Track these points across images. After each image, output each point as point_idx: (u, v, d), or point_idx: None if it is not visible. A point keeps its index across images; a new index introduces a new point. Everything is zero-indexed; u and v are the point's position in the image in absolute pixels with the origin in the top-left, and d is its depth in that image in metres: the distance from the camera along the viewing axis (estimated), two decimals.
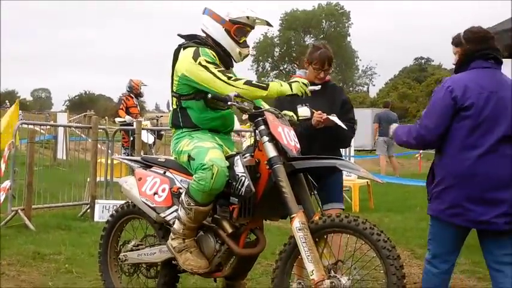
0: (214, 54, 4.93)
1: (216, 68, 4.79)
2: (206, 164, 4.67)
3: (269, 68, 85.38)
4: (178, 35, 5.16)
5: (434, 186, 4.44)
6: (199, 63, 4.79)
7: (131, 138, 12.87)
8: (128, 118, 13.59)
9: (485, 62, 4.44)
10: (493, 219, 4.25)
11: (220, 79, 4.72)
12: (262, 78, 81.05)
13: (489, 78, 4.39)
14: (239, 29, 4.96)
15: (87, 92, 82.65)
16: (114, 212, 5.65)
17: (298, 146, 4.66)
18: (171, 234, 4.95)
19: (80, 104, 64.23)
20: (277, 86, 4.70)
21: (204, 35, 5.07)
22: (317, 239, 4.47)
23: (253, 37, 77.48)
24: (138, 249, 5.37)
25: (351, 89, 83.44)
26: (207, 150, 4.77)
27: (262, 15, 4.98)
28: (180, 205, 4.87)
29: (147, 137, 12.79)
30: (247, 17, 4.94)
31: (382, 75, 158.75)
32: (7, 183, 9.36)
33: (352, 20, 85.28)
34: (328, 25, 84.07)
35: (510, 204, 4.27)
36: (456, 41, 4.59)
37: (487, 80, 4.37)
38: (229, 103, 4.65)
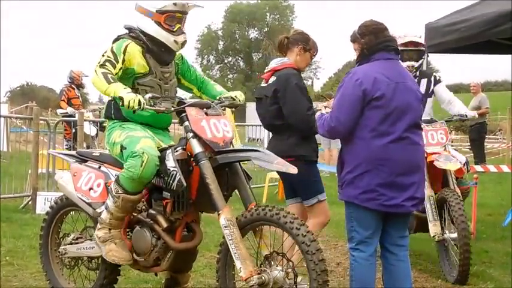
0: (129, 50, 4.88)
1: (107, 57, 4.81)
2: (137, 152, 4.67)
3: (213, 61, 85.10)
4: (124, 26, 5.14)
5: (347, 173, 4.53)
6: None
7: (73, 130, 12.70)
8: (69, 109, 13.43)
9: (388, 53, 4.61)
10: (403, 202, 4.44)
11: (95, 67, 4.78)
12: (207, 71, 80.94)
13: (392, 69, 4.57)
14: (169, 17, 4.91)
15: (29, 83, 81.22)
16: (53, 203, 5.63)
17: (228, 135, 4.65)
18: (98, 224, 4.93)
19: (22, 95, 62.89)
20: (115, 89, 4.60)
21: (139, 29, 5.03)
22: (252, 231, 4.52)
23: (197, 30, 77.12)
24: (78, 243, 5.35)
25: None
26: (138, 139, 4.76)
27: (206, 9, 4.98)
28: (109, 194, 4.86)
29: (90, 129, 12.66)
30: (174, 4, 4.89)
31: (326, 69, 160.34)
32: None
33: (296, 14, 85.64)
34: (273, 18, 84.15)
35: (416, 188, 4.51)
36: (353, 38, 4.76)
37: (391, 71, 4.54)
38: (136, 108, 4.54)
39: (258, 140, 16.70)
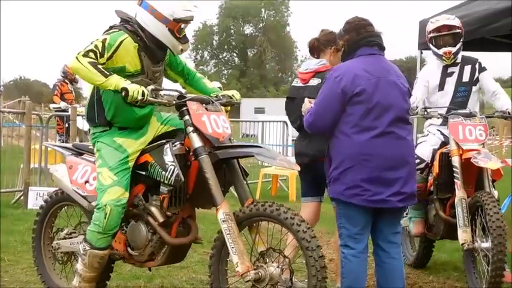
0: (123, 46, 4.69)
1: (93, 48, 4.59)
2: (100, 205, 4.67)
3: (208, 57, 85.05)
4: (118, 15, 4.91)
5: (333, 169, 4.53)
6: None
7: (66, 125, 12.69)
8: (62, 104, 13.39)
9: (370, 48, 4.61)
10: (388, 197, 4.41)
11: (76, 54, 4.57)
12: (201, 67, 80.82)
13: (375, 64, 4.56)
14: (182, 26, 4.80)
15: (23, 78, 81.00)
16: (48, 198, 5.58)
17: (227, 131, 4.63)
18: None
19: (15, 89, 62.74)
20: (117, 81, 4.48)
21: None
22: (248, 227, 4.51)
23: (192, 25, 77.03)
24: (71, 238, 5.33)
25: (290, 78, 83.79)
26: (105, 189, 4.69)
27: (202, 6, 4.89)
28: (78, 258, 4.86)
29: (83, 124, 12.62)
30: (190, 14, 4.75)
31: None
32: None
33: (291, 9, 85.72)
34: (268, 14, 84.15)
35: (403, 183, 4.46)
36: (339, 36, 4.81)
37: (373, 66, 4.53)
38: (139, 99, 4.44)
39: (252, 135, 16.69)
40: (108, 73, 4.53)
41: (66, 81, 13.90)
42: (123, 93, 4.42)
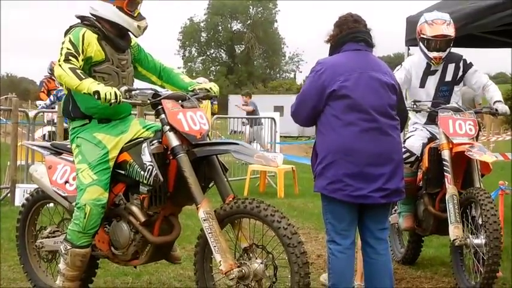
0: (86, 38, 4.72)
1: (67, 50, 4.64)
2: (79, 204, 4.66)
3: (196, 54, 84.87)
4: (76, 15, 4.98)
5: (317, 164, 4.53)
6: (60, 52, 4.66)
7: None
8: (49, 101, 13.30)
9: (356, 44, 4.61)
10: (370, 193, 4.39)
11: (58, 61, 4.63)
12: (189, 64, 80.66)
13: (360, 59, 4.56)
14: (130, 2, 4.79)
15: (9, 75, 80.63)
16: (29, 196, 5.57)
17: (204, 127, 4.60)
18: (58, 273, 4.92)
19: (1, 86, 62.46)
20: (89, 84, 4.49)
21: (94, 17, 4.87)
22: (230, 224, 4.50)
23: (179, 22, 76.81)
24: (55, 236, 5.31)
25: (278, 75, 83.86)
26: (85, 188, 4.68)
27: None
28: (60, 258, 4.85)
29: (68, 122, 12.55)
30: None
31: (308, 62, 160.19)
32: None
33: (279, 7, 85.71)
34: (255, 11, 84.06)
35: (386, 179, 4.43)
36: (328, 32, 4.80)
37: (357, 61, 4.54)
38: (112, 101, 4.45)
39: (240, 132, 16.69)
40: (83, 77, 4.54)
41: (53, 78, 13.78)
42: (96, 96, 4.43)
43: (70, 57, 4.60)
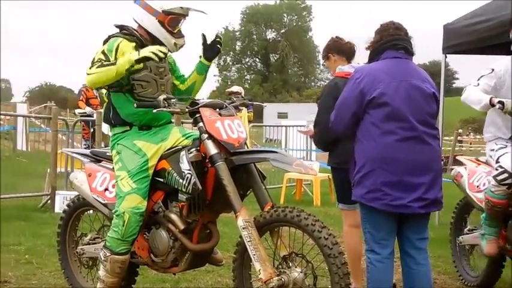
0: (120, 48, 4.74)
1: (98, 60, 4.65)
2: (118, 211, 4.69)
3: (230, 62, 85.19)
4: (115, 25, 5.05)
5: (356, 172, 4.50)
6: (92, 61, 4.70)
7: (91, 130, 12.76)
8: (88, 109, 13.44)
9: (396, 52, 4.58)
10: (409, 203, 4.35)
11: (86, 72, 4.64)
12: (224, 72, 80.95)
13: (399, 67, 4.53)
14: (173, 19, 4.85)
15: (48, 83, 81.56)
16: (70, 202, 5.62)
17: (242, 135, 4.60)
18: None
19: (41, 95, 63.34)
20: (126, 59, 4.54)
21: (136, 24, 4.96)
22: (269, 232, 4.48)
23: (215, 31, 77.22)
24: (95, 243, 5.36)
25: (312, 83, 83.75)
26: (124, 196, 4.71)
27: (195, 5, 4.91)
28: (100, 264, 4.89)
29: (108, 129, 12.68)
30: (181, 7, 4.85)
31: None
32: None
33: (313, 14, 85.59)
34: (290, 19, 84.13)
35: (426, 189, 4.38)
36: (368, 39, 4.80)
37: (397, 68, 4.51)
38: (154, 111, 4.55)
39: (275, 140, 16.69)
40: (114, 61, 4.59)
41: None
42: (141, 64, 4.52)
43: (98, 61, 4.64)
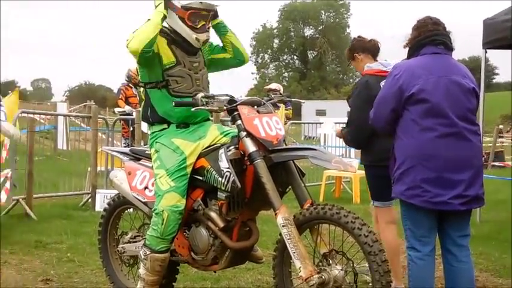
0: (161, 42, 4.83)
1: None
2: (157, 210, 4.71)
3: (268, 60, 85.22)
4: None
5: (396, 169, 4.46)
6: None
7: (131, 129, 12.85)
8: (127, 108, 13.55)
9: (435, 47, 4.52)
10: (450, 200, 4.29)
11: (126, 46, 4.71)
12: (262, 69, 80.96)
13: (438, 63, 4.46)
14: (193, 14, 4.83)
15: (87, 83, 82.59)
16: (111, 201, 5.67)
17: (280, 133, 4.58)
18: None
19: (80, 94, 64.17)
20: (157, 11, 4.74)
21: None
22: (309, 229, 4.46)
23: (252, 28, 77.28)
24: (136, 242, 5.40)
25: (351, 80, 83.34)
26: (162, 194, 4.72)
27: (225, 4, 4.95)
28: (140, 263, 4.92)
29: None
30: (200, 2, 4.84)
31: None
32: (8, 171, 9.32)
33: (351, 11, 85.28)
34: (327, 16, 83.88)
35: (466, 185, 4.32)
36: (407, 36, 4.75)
37: (436, 64, 4.44)
38: (193, 109, 4.58)
39: (314, 138, 16.64)
40: (147, 20, 4.70)
41: (131, 85, 14.03)
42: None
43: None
